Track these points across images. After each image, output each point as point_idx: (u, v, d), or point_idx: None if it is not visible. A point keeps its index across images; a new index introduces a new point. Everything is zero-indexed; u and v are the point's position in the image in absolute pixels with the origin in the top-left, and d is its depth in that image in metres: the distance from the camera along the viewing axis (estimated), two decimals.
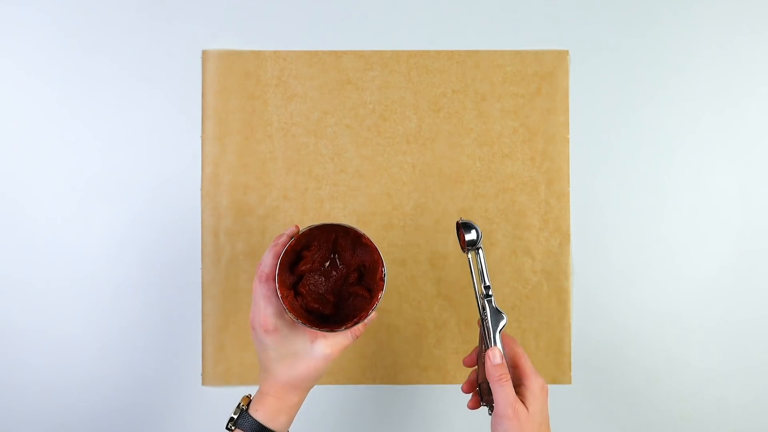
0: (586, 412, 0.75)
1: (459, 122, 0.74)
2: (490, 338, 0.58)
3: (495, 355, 0.57)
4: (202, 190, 0.74)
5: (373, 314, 0.58)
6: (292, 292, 0.60)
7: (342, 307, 0.62)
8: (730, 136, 0.75)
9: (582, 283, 0.75)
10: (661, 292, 0.75)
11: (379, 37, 0.75)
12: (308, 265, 0.61)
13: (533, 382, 0.58)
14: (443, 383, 0.74)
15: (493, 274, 0.74)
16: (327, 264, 0.62)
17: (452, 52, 0.74)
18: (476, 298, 0.60)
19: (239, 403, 0.58)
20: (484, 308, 0.59)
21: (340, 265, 0.62)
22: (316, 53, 0.74)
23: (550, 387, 0.74)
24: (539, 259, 0.74)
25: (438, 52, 0.74)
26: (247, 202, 0.74)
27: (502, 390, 0.56)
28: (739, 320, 0.75)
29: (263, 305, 0.56)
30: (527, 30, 0.75)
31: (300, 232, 0.58)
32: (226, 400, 0.73)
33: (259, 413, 0.56)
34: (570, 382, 0.74)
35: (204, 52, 0.74)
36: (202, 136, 0.74)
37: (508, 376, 0.57)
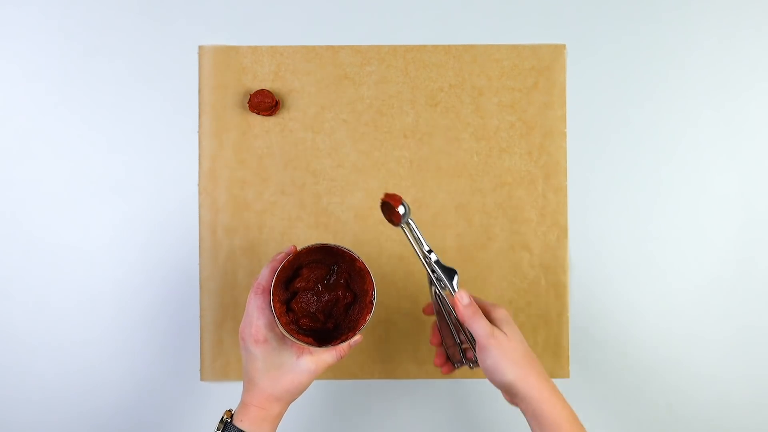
0: (584, 406, 0.74)
1: (456, 117, 0.74)
2: (451, 290, 0.60)
3: (462, 296, 0.59)
4: (199, 185, 0.74)
5: (358, 337, 0.61)
6: (285, 307, 0.63)
7: (343, 323, 0.64)
8: (729, 131, 0.75)
9: (580, 277, 0.75)
10: (659, 287, 0.75)
11: (376, 32, 0.75)
12: (303, 283, 0.64)
13: (497, 311, 0.61)
14: (441, 378, 0.74)
15: (491, 269, 0.74)
16: (322, 284, 0.65)
17: (449, 46, 0.74)
18: (424, 266, 0.61)
19: (222, 417, 0.59)
20: (433, 270, 0.61)
21: (333, 286, 0.65)
22: (313, 48, 0.74)
23: None
24: (537, 254, 0.74)
25: (435, 47, 0.74)
26: (244, 198, 0.74)
27: (479, 324, 0.58)
28: (740, 315, 0.75)
29: (256, 316, 0.59)
30: (524, 24, 0.75)
31: (298, 251, 0.61)
32: (224, 395, 0.73)
33: (244, 423, 0.58)
34: (568, 376, 0.74)
35: (200, 48, 0.74)
36: (198, 132, 0.74)
37: (480, 311, 0.59)
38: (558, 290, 0.74)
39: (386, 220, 0.61)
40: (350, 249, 0.61)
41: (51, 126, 0.74)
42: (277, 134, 0.74)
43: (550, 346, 0.74)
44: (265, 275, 0.60)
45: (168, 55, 0.74)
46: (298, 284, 0.64)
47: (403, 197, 0.60)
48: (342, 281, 0.65)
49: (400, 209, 0.59)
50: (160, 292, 0.74)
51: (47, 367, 0.73)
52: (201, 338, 0.73)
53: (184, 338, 0.74)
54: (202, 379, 0.74)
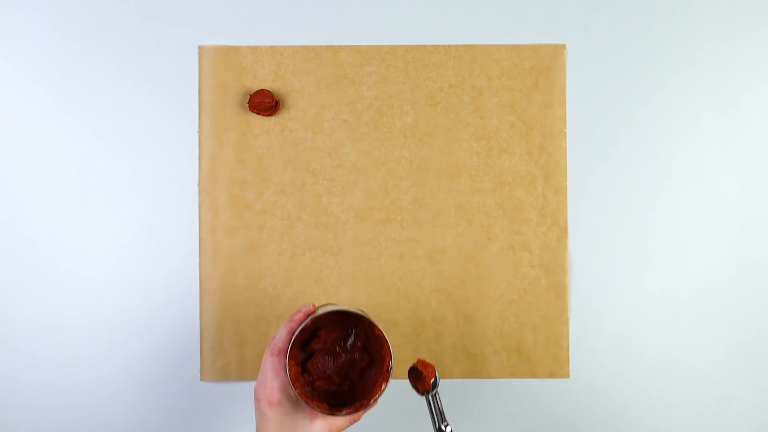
0: (584, 406, 0.75)
1: (456, 117, 0.74)
2: None
3: None
4: (199, 185, 0.74)
5: (373, 403, 0.60)
6: (300, 368, 0.62)
7: (358, 386, 0.64)
8: (730, 131, 0.75)
9: (580, 277, 0.75)
10: (660, 287, 0.75)
11: (376, 31, 0.75)
12: (320, 345, 0.63)
13: None
14: (441, 378, 0.74)
15: (491, 269, 0.74)
16: (340, 346, 0.64)
17: (449, 46, 0.74)
18: None
19: None
20: None
21: (350, 349, 0.64)
22: (313, 48, 0.74)
23: (548, 381, 0.74)
24: (537, 254, 0.74)
25: (435, 47, 0.74)
26: (244, 198, 0.74)
27: None
28: (740, 316, 0.75)
29: (270, 377, 0.58)
30: (524, 24, 0.75)
31: (317, 315, 0.61)
32: (224, 395, 0.73)
33: None
34: (568, 377, 0.74)
35: (200, 48, 0.74)
36: (198, 132, 0.74)
37: None
38: (558, 290, 0.74)
39: (410, 385, 0.61)
40: (369, 315, 0.61)
41: (50, 127, 0.74)
42: (277, 134, 0.74)
43: (550, 347, 0.74)
44: (282, 336, 0.60)
45: (168, 56, 0.74)
46: (316, 345, 0.63)
47: (436, 367, 0.59)
48: (359, 343, 0.64)
49: (432, 381, 0.59)
50: (160, 291, 0.74)
51: (46, 367, 0.73)
52: (201, 338, 0.73)
53: (184, 338, 0.74)
54: (202, 379, 0.74)
